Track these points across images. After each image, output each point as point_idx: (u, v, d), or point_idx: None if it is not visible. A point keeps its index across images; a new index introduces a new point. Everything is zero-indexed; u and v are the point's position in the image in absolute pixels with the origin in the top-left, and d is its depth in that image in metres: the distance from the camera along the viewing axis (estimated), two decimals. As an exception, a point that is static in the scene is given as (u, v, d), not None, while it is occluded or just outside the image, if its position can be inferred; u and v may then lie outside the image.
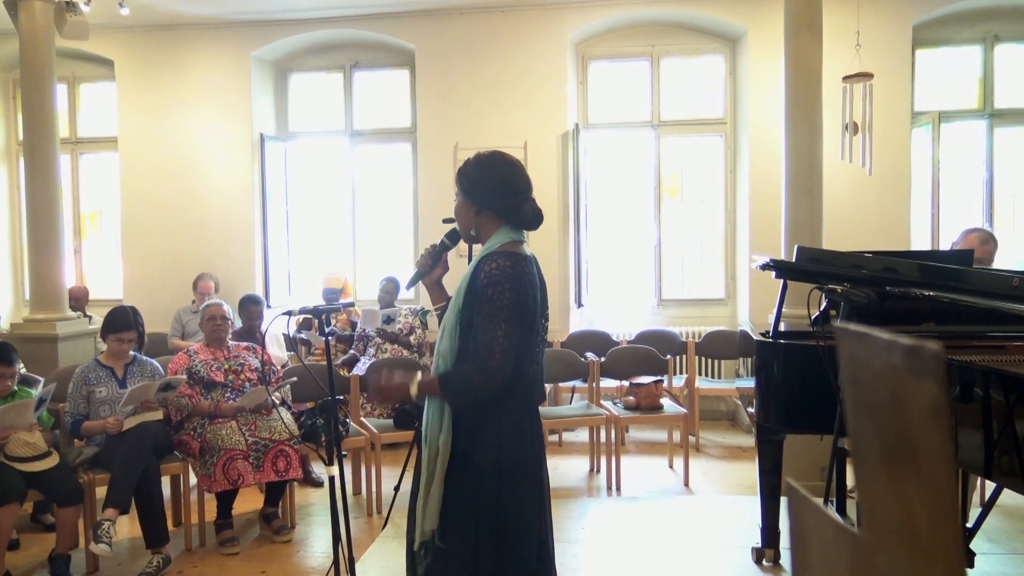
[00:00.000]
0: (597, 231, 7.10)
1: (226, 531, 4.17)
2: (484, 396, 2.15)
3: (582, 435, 6.02)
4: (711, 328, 6.48)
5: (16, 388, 3.96)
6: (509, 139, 6.41)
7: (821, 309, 3.39)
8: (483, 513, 2.18)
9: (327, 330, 3.11)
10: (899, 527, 0.46)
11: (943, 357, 0.44)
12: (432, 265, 2.46)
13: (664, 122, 6.96)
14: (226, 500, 4.20)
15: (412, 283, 2.56)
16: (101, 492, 3.87)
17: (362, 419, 5.00)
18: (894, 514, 0.46)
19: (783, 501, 3.58)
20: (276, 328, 5.64)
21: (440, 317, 2.38)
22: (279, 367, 4.96)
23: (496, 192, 2.26)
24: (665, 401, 5.24)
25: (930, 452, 0.44)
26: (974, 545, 3.45)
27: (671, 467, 5.40)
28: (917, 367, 0.44)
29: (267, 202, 7.06)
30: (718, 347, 6.28)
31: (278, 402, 4.37)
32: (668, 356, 5.73)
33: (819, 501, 0.68)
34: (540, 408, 2.41)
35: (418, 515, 2.24)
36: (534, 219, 2.29)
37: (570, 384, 6.19)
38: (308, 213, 7.57)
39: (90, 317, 6.14)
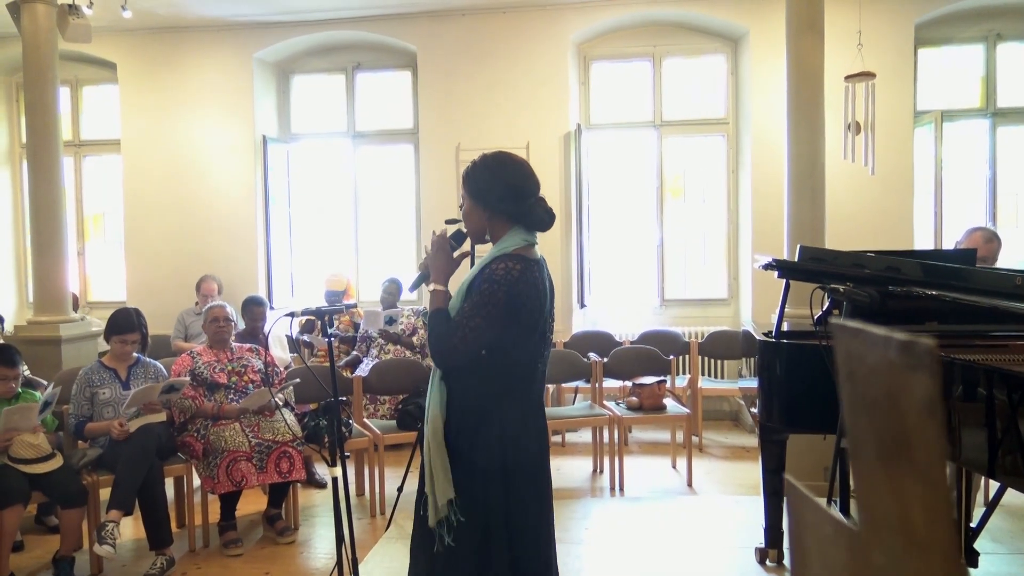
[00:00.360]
0: (599, 231, 7.10)
1: (229, 532, 4.17)
2: (433, 356, 2.24)
3: (585, 435, 6.02)
4: (714, 328, 6.48)
5: (20, 390, 3.97)
6: (511, 140, 6.41)
7: (824, 309, 3.39)
8: (491, 514, 2.19)
9: (330, 331, 3.11)
10: (895, 522, 0.46)
11: (937, 352, 0.44)
12: None
13: (666, 122, 6.96)
14: (229, 501, 4.20)
15: (416, 285, 2.55)
16: (105, 494, 3.87)
17: (365, 420, 5.00)
18: (890, 509, 0.46)
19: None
20: (279, 330, 5.64)
21: None
22: (282, 368, 4.97)
23: (507, 196, 2.26)
24: (668, 401, 5.23)
25: (925, 447, 0.44)
26: (978, 545, 3.44)
27: (674, 467, 5.40)
28: (912, 362, 0.44)
29: (270, 204, 7.08)
30: (721, 347, 6.28)
31: (281, 403, 4.38)
32: (671, 356, 5.72)
33: (821, 500, 0.68)
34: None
35: (428, 495, 2.24)
36: (547, 220, 2.30)
37: (573, 384, 6.19)
38: (311, 215, 7.58)
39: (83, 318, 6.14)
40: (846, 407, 0.53)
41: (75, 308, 6.50)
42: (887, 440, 0.47)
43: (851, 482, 3.63)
